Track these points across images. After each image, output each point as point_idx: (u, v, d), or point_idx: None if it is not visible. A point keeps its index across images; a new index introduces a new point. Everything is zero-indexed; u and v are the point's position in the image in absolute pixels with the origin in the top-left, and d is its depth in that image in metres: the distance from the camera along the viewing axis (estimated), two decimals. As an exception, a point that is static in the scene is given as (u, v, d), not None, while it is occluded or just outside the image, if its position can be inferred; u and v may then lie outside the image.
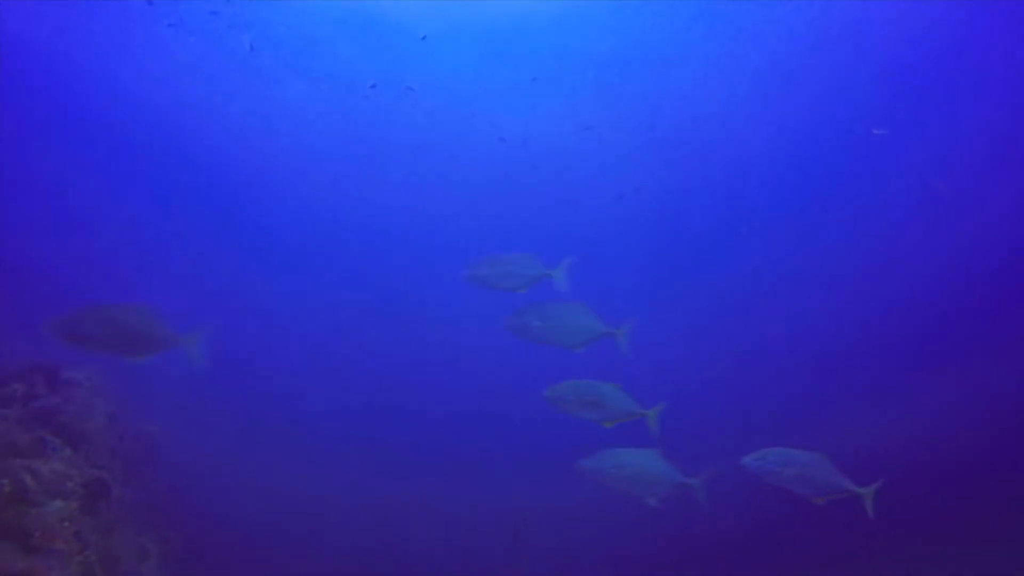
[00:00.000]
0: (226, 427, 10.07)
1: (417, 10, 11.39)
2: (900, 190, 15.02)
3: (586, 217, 16.84)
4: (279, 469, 9.52)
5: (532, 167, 14.74)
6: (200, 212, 17.21)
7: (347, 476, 10.14)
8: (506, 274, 3.82)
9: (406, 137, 14.97)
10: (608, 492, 3.69)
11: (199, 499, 7.74)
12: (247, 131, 15.45)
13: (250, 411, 11.23)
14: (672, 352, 14.27)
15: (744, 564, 8.66)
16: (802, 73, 13.42)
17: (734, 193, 16.49)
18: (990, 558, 7.71)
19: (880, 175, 15.05)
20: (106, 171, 15.81)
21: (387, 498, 9.65)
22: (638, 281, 16.85)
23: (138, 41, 11.98)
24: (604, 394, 3.56)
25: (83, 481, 5.05)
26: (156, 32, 11.51)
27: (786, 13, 11.76)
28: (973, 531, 8.32)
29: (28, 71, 12.53)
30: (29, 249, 14.56)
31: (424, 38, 11.62)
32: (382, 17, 11.69)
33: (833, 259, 16.14)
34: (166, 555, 6.37)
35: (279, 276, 17.05)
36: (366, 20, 11.78)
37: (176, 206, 16.98)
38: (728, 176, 16.10)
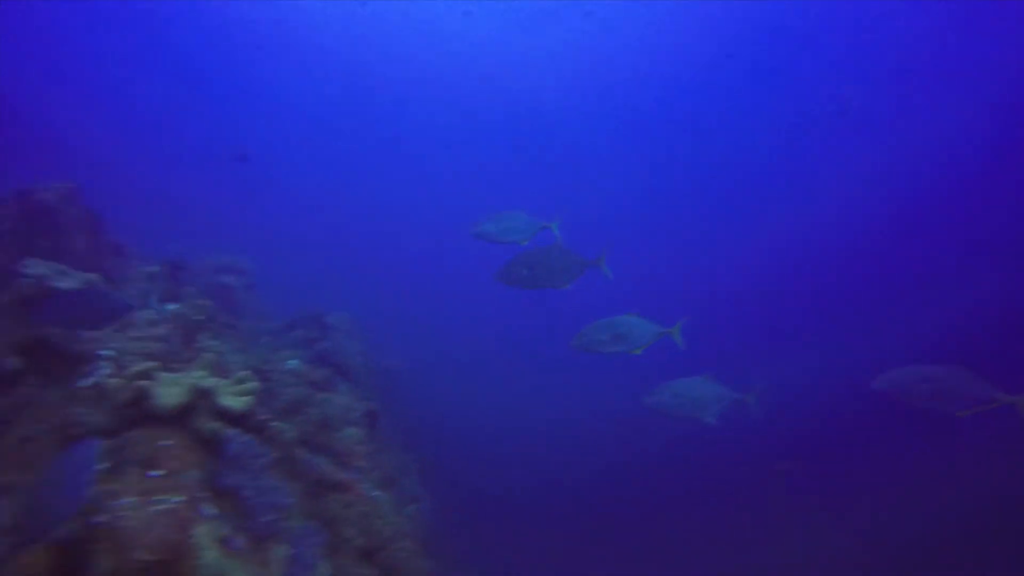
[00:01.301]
0: (451, 358, 11.16)
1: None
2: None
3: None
4: (498, 389, 10.48)
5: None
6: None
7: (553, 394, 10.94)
8: (509, 229, 4.07)
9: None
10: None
11: (438, 420, 8.71)
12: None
13: (469, 344, 12.32)
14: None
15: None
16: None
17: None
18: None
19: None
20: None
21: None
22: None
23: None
24: (628, 324, 3.66)
25: (363, 412, 5.85)
26: None
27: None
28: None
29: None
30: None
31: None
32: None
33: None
34: (424, 471, 7.27)
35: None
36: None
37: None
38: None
